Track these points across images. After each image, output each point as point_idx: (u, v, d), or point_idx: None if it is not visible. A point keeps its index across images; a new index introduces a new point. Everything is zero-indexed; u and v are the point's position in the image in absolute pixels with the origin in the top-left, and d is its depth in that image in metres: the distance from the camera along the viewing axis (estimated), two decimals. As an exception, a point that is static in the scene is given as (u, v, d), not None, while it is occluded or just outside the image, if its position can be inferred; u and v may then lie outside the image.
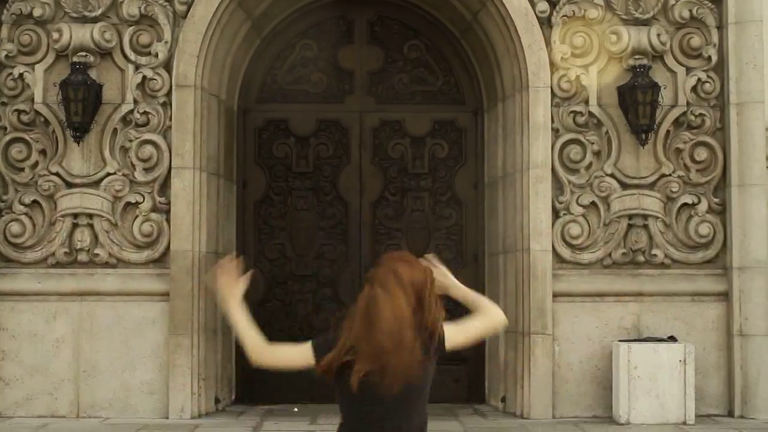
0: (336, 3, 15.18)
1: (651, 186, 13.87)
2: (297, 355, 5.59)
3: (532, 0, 13.83)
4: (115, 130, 13.67)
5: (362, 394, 5.33)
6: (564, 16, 13.87)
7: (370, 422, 5.42)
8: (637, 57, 13.78)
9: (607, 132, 13.84)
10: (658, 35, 13.83)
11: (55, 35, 13.62)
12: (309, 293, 14.94)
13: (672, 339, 13.43)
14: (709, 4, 13.96)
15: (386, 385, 5.28)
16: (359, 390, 5.31)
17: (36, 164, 13.64)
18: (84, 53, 13.58)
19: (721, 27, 13.95)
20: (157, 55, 13.71)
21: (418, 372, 5.35)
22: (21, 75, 13.65)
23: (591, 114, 13.83)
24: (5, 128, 13.66)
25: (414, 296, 5.42)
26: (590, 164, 13.83)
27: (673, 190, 13.85)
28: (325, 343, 5.45)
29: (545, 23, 13.86)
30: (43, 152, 13.65)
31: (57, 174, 13.61)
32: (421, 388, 5.45)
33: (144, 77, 13.71)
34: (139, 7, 13.72)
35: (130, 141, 13.67)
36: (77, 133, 13.51)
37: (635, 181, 13.84)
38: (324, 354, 5.43)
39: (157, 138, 13.67)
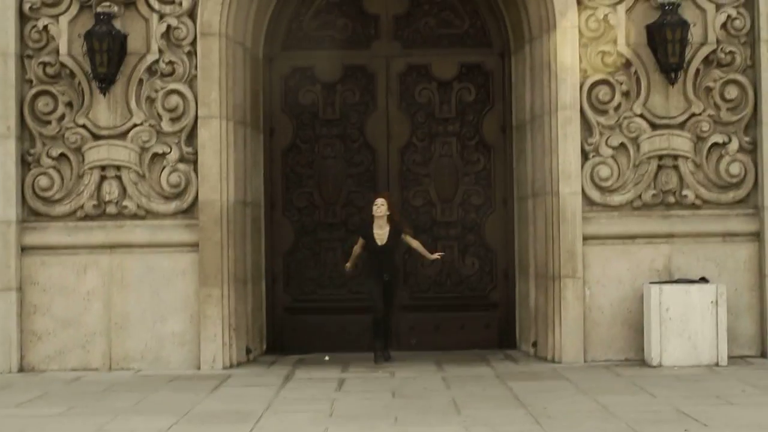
0: (360, -53, 15.01)
1: (681, 126, 13.73)
2: (361, 242, 13.81)
3: (558, -61, 13.56)
4: (140, 81, 13.62)
5: (373, 242, 13.62)
6: (591, -46, 13.68)
7: (375, 254, 13.65)
8: (666, -5, 13.61)
9: (636, 72, 13.69)
10: (687, -28, 13.62)
11: (79, -14, 13.57)
12: (338, 241, 14.92)
13: (703, 280, 13.35)
14: (739, -61, 13.66)
15: (382, 240, 13.63)
16: (374, 242, 13.64)
17: (63, 117, 13.62)
18: (108, 3, 13.50)
19: (751, -38, 13.79)
20: (181, 4, 13.62)
21: (388, 241, 13.60)
22: (45, 27, 13.59)
23: (619, 54, 13.67)
24: (31, 81, 13.63)
25: (387, 206, 13.64)
26: (619, 105, 13.69)
27: (704, 129, 13.71)
28: (363, 231, 13.81)
29: (572, -38, 13.60)
30: (69, 104, 13.62)
31: (84, 126, 13.59)
32: (390, 249, 13.63)
33: (168, 26, 13.62)
34: (162, -44, 13.62)
35: (156, 91, 13.62)
36: (103, 85, 13.47)
37: (665, 121, 13.71)
38: (362, 236, 13.78)
39: (183, 88, 13.61)
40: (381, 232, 13.56)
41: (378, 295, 13.56)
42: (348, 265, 14.04)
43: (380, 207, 13.50)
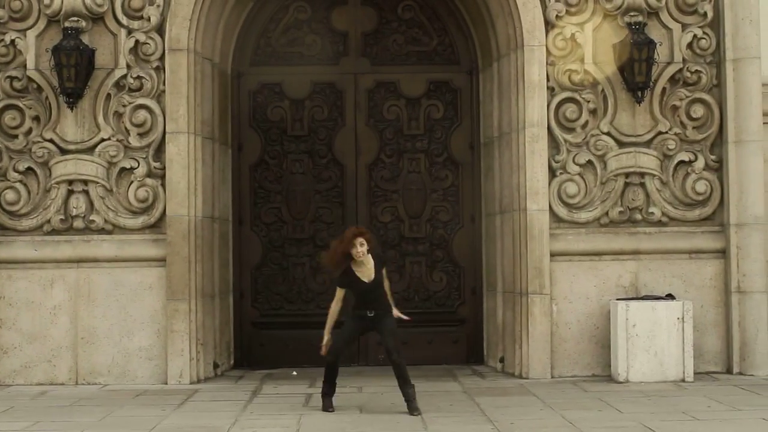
0: (329, -36, 15.05)
1: (647, 144, 13.82)
2: (341, 295, 11.55)
3: (526, -42, 13.65)
4: (108, 96, 13.59)
5: (360, 283, 11.39)
6: (558, -27, 13.77)
7: (364, 294, 11.40)
8: (632, 14, 13.69)
9: (602, 90, 13.77)
10: (654, -8, 13.72)
11: (47, 0, 13.52)
12: (306, 257, 14.91)
13: (670, 297, 13.43)
14: (705, -40, 13.78)
15: (369, 276, 11.42)
16: (360, 282, 11.38)
17: (29, 131, 13.57)
18: (76, 18, 13.48)
19: (716, -18, 13.91)
20: (149, 19, 13.61)
21: (375, 274, 11.42)
22: (12, 41, 13.56)
23: (586, 72, 13.76)
24: (-2, 95, 13.60)
25: (368, 243, 11.40)
26: (586, 123, 13.77)
27: (670, 147, 13.81)
28: (343, 278, 11.47)
29: (539, -19, 13.68)
30: (36, 119, 13.58)
31: (51, 140, 13.55)
32: (379, 282, 11.45)
33: (137, 41, 13.61)
34: (130, -29, 13.61)
35: (124, 106, 13.59)
36: (70, 99, 13.43)
37: (631, 139, 13.79)
38: (344, 284, 11.51)
39: (150, 103, 13.59)
40: (365, 269, 11.41)
41: (347, 334, 11.56)
42: (325, 341, 11.46)
43: (361, 248, 11.29)
